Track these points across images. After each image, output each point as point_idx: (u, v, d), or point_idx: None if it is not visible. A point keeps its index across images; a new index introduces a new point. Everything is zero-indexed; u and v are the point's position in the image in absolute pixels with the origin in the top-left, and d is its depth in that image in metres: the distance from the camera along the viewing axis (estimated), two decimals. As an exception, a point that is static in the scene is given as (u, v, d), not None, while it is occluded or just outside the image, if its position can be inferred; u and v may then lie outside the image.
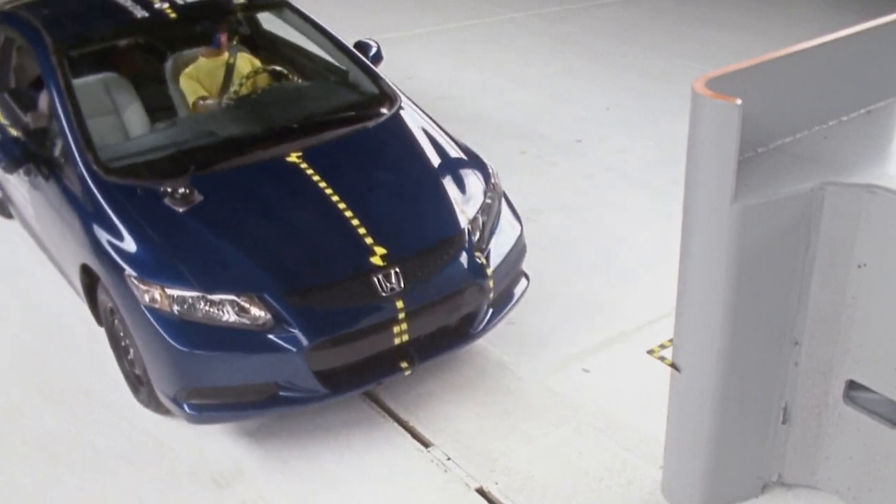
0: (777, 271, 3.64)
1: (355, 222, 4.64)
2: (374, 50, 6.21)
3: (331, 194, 4.77)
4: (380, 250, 4.54)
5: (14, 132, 5.64)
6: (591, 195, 6.98)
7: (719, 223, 3.53)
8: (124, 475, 4.46)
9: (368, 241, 4.57)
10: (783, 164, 3.69)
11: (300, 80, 6.09)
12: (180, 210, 4.63)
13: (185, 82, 5.89)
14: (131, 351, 4.70)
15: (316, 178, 4.87)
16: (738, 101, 3.32)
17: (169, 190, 4.68)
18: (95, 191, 4.81)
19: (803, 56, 3.77)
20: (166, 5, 5.78)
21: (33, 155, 5.23)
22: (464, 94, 8.92)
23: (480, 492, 4.29)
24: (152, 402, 4.68)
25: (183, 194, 4.66)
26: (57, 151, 5.14)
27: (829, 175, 3.55)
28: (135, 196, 4.76)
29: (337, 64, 6.13)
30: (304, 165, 4.93)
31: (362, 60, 5.98)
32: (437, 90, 8.88)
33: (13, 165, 5.19)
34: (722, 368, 3.73)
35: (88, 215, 4.78)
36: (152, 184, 4.78)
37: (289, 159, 4.98)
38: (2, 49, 6.21)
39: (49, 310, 5.74)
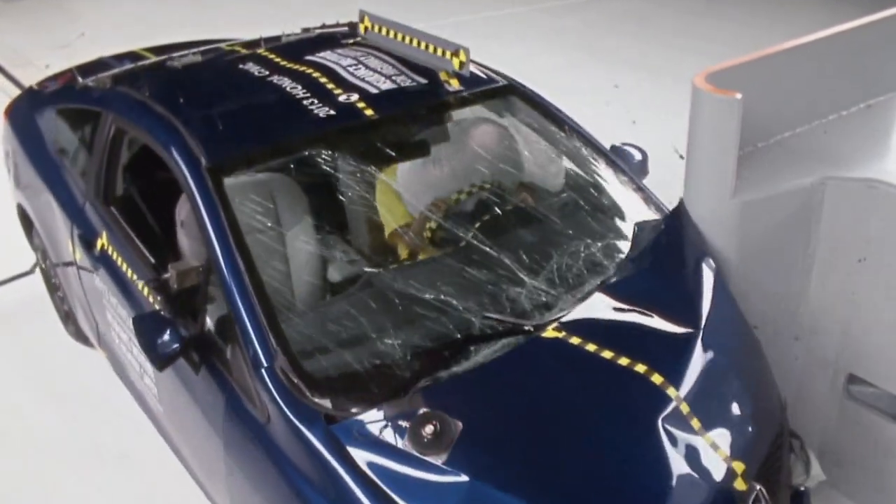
0: (777, 266, 3.64)
1: (696, 424, 3.07)
2: (637, 158, 4.26)
3: (661, 384, 3.08)
4: (738, 466, 3.02)
5: (144, 290, 3.81)
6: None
7: (719, 218, 3.54)
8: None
9: (721, 454, 3.02)
10: (783, 159, 3.69)
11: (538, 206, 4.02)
12: (438, 461, 2.82)
13: (382, 193, 4.09)
14: None
15: (619, 358, 3.15)
16: (739, 96, 3.32)
17: (409, 424, 2.87)
18: (316, 443, 2.93)
19: (803, 50, 3.77)
20: (355, 97, 3.83)
21: (196, 345, 3.37)
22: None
23: None
24: None
25: (435, 430, 2.85)
26: (212, 326, 3.44)
27: (830, 170, 3.55)
28: (354, 438, 2.91)
29: (584, 175, 4.13)
30: (575, 340, 3.21)
31: (633, 178, 4.08)
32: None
33: (166, 363, 3.32)
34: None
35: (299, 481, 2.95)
36: (365, 407, 2.98)
37: (548, 335, 3.24)
38: (111, 146, 4.23)
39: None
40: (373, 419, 2.94)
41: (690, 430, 3.00)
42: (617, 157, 4.18)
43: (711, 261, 3.58)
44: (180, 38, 5.53)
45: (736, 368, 3.37)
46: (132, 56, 5.25)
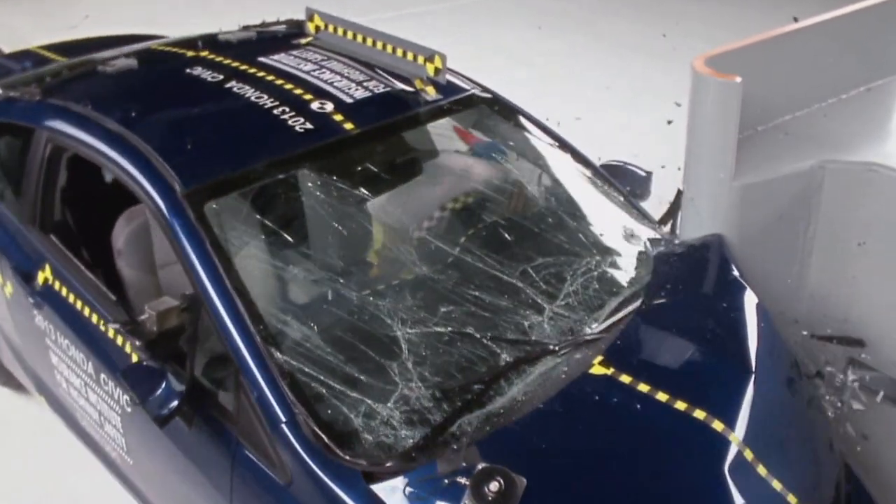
0: (777, 250, 3.64)
1: (762, 470, 2.87)
2: (640, 175, 4.06)
3: (722, 431, 2.89)
4: None
5: (110, 332, 3.43)
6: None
7: (719, 201, 3.53)
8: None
9: (792, 500, 2.87)
10: (783, 143, 3.68)
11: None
12: None
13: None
14: None
15: (675, 402, 2.94)
16: (738, 79, 3.32)
17: (469, 482, 2.59)
18: None
19: (803, 34, 3.76)
20: (330, 107, 3.52)
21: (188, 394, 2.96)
22: (462, 72, 8.88)
23: None
24: None
25: (500, 488, 2.56)
26: (201, 370, 3.11)
27: (830, 153, 3.54)
28: (404, 500, 2.64)
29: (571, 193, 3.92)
30: (626, 379, 2.99)
31: (627, 197, 3.91)
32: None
33: (166, 420, 2.93)
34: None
35: None
36: (408, 461, 2.71)
37: (596, 371, 3.02)
38: (47, 167, 3.75)
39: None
40: (423, 476, 2.64)
41: (757, 476, 2.85)
42: (616, 176, 3.99)
43: (751, 292, 3.39)
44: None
45: (792, 408, 3.23)
46: (31, 57, 4.82)
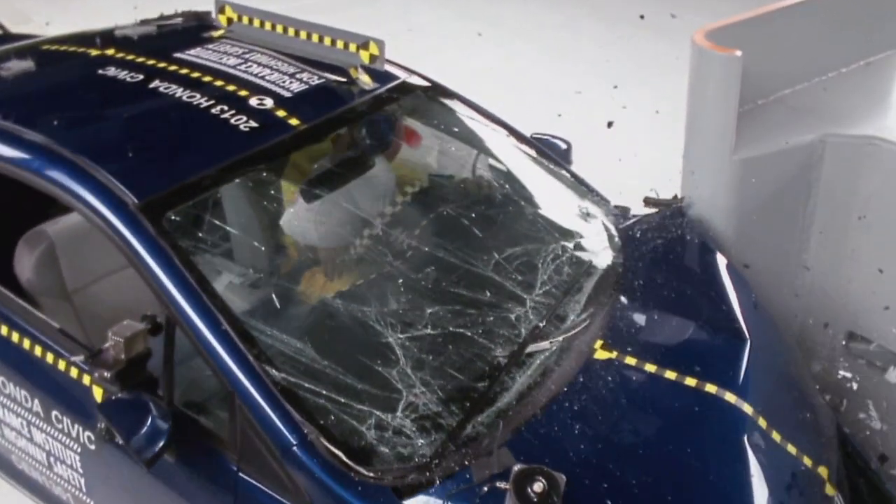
0: (777, 223, 3.65)
1: (777, 436, 2.94)
2: (562, 148, 4.02)
3: (735, 402, 2.95)
4: (823, 471, 2.99)
5: (60, 363, 3.12)
6: (590, 147, 6.96)
7: (720, 175, 3.54)
8: None
9: (807, 461, 2.96)
10: (783, 116, 3.69)
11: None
12: None
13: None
14: None
15: (685, 379, 2.98)
16: (739, 53, 3.32)
17: (510, 486, 2.49)
18: None
19: (803, 7, 3.76)
20: (270, 102, 3.30)
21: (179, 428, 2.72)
22: (464, 44, 8.88)
23: None
24: None
25: (545, 488, 2.48)
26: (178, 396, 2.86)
27: (830, 127, 3.55)
28: None
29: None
30: (631, 361, 3.01)
31: (575, 175, 3.85)
32: (437, 42, 8.82)
33: (155, 459, 2.65)
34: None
35: None
36: (433, 472, 2.58)
37: (601, 356, 3.02)
38: None
39: None
40: (458, 487, 2.54)
41: (773, 443, 2.89)
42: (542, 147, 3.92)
43: (720, 255, 3.50)
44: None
45: (788, 372, 3.31)
46: None
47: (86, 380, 3.03)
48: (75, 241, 3.44)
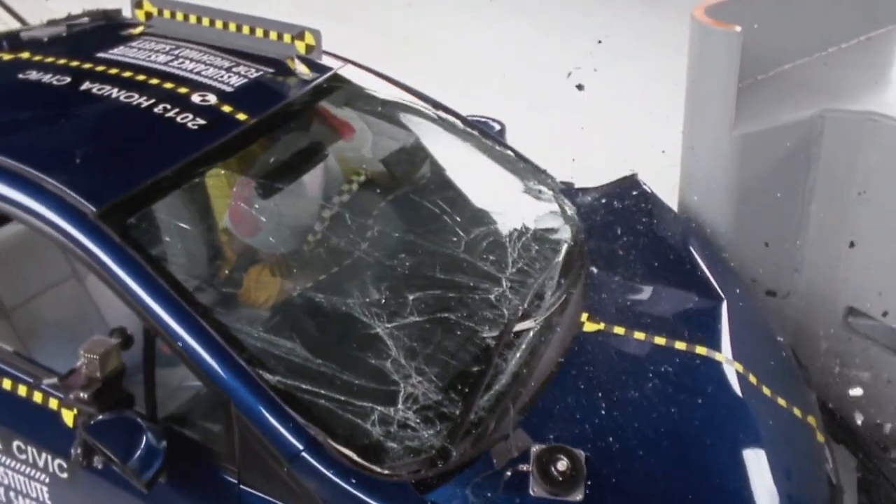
0: (777, 199, 3.65)
1: (767, 391, 3.08)
2: (495, 129, 4.03)
3: (726, 362, 3.05)
4: (812, 420, 3.16)
5: (20, 388, 2.92)
6: (588, 124, 6.95)
7: (719, 151, 3.54)
8: None
9: (798, 412, 3.11)
10: (783, 92, 3.68)
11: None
12: (578, 497, 2.51)
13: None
14: None
15: (675, 343, 3.07)
16: (738, 29, 3.31)
17: (532, 467, 2.51)
18: None
19: (804, -18, 3.75)
20: (212, 98, 3.18)
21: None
22: (462, 22, 8.86)
23: None
24: None
25: (568, 466, 2.50)
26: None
27: (829, 102, 3.54)
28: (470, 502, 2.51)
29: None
30: (619, 331, 3.08)
31: (519, 154, 3.82)
32: (435, 19, 8.82)
33: (153, 481, 2.53)
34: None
35: None
36: (448, 461, 2.57)
37: (589, 329, 3.06)
38: None
39: None
40: (480, 475, 2.51)
41: (765, 397, 2.99)
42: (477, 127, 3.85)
43: (680, 215, 3.62)
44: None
45: (763, 327, 3.38)
46: None
47: (52, 404, 2.84)
48: (7, 256, 3.30)
